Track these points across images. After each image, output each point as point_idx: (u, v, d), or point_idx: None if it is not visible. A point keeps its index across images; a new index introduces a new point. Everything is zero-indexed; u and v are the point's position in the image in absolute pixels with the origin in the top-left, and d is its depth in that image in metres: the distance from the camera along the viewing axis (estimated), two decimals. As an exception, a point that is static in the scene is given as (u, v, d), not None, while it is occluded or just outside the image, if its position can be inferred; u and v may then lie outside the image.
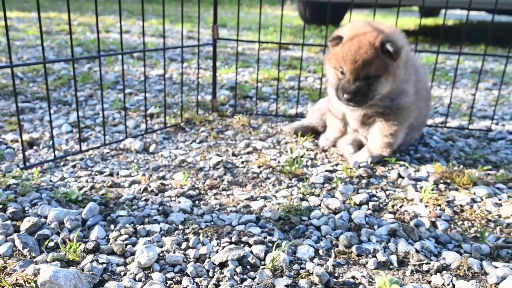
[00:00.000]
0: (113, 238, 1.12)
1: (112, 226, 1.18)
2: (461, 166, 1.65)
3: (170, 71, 3.10)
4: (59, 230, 1.15)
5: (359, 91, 1.50)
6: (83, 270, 0.99)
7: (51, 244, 1.08)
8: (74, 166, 1.55)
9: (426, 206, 1.36)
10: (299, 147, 1.81)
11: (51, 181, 1.43)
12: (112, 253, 1.07)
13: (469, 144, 1.92)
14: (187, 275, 1.00)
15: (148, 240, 1.12)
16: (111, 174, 1.50)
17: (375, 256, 1.10)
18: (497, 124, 2.24)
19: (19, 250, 1.06)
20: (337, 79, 1.56)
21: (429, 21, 7.54)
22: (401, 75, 1.54)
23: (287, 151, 1.76)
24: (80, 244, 1.07)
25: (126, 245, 1.09)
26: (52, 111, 2.11)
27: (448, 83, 3.14)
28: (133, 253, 1.07)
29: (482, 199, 1.43)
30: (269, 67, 3.36)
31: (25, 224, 1.13)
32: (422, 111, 1.74)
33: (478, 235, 1.22)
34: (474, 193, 1.45)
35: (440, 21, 7.81)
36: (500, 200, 1.42)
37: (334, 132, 1.80)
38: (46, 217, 1.20)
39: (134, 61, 3.37)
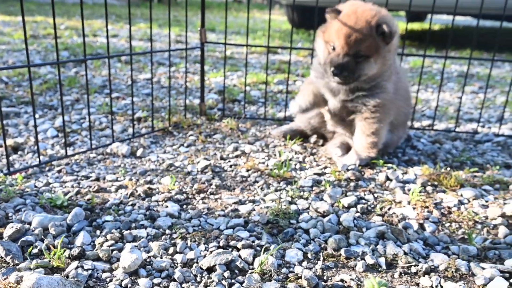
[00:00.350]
0: (99, 243, 1.10)
1: (98, 232, 1.16)
2: (448, 168, 1.66)
3: (158, 75, 3.08)
4: (43, 236, 1.13)
5: (347, 66, 1.50)
6: (67, 277, 0.97)
7: (35, 250, 1.06)
8: (59, 171, 1.52)
9: (414, 208, 1.36)
10: (287, 151, 1.81)
11: (35, 186, 1.40)
12: (98, 259, 1.05)
13: (456, 147, 1.94)
14: (174, 280, 0.99)
15: (135, 245, 1.10)
16: (97, 179, 1.48)
17: (364, 259, 1.10)
18: (483, 126, 2.26)
19: (1, 257, 1.03)
20: (326, 54, 1.56)
21: (415, 26, 7.63)
22: (390, 60, 1.55)
23: (275, 155, 1.76)
24: (64, 251, 1.05)
25: (112, 250, 1.07)
26: (37, 116, 2.08)
27: (435, 86, 3.17)
28: (119, 259, 1.05)
29: (469, 201, 1.44)
30: (257, 71, 3.36)
31: (8, 231, 1.11)
32: (402, 109, 1.76)
33: (466, 236, 1.23)
34: (461, 195, 1.46)
35: (426, 25, 7.90)
36: (486, 201, 1.43)
37: (306, 95, 1.73)
38: (30, 223, 1.17)
39: (121, 65, 3.35)
